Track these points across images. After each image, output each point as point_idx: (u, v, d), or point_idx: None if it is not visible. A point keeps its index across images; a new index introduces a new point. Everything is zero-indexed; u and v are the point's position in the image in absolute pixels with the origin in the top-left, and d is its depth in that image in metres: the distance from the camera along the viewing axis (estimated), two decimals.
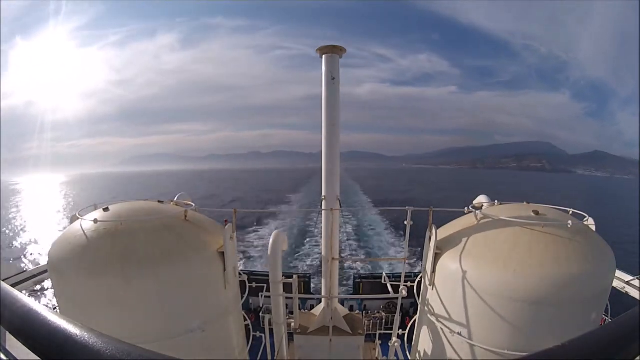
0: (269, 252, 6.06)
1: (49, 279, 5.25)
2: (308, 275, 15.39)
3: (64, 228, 5.38)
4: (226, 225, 5.21)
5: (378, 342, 9.14)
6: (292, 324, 7.38)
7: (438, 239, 5.11)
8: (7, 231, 57.65)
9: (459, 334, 4.72)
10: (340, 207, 7.21)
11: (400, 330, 6.72)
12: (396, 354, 6.72)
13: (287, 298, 6.88)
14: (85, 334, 0.94)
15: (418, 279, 6.01)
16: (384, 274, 7.78)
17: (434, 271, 5.18)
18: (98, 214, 4.90)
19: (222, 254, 5.05)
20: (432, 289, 5.25)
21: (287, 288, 6.87)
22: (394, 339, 6.47)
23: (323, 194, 7.04)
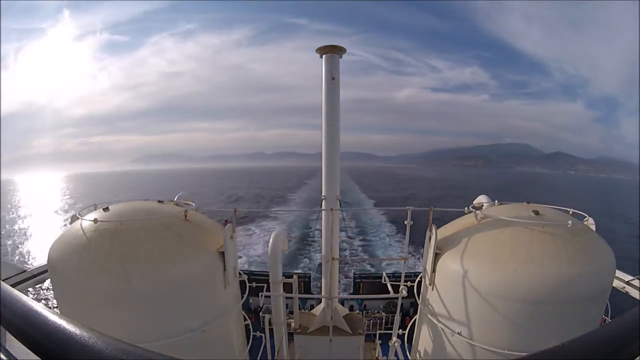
0: (269, 252, 6.05)
1: (49, 279, 5.25)
2: (308, 275, 15.38)
3: (63, 226, 5.38)
4: (226, 225, 5.21)
5: (378, 342, 9.14)
6: (292, 324, 7.37)
7: (438, 238, 5.11)
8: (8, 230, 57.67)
9: (459, 333, 4.72)
10: (341, 207, 7.20)
11: (400, 330, 6.71)
12: (396, 354, 6.72)
13: (287, 298, 6.87)
14: (85, 334, 0.94)
15: (418, 278, 6.01)
16: (384, 274, 7.77)
17: (434, 271, 5.18)
18: (98, 213, 4.90)
19: (222, 254, 5.06)
20: (432, 288, 5.24)
21: (287, 288, 6.86)
22: (394, 338, 6.46)
23: (323, 193, 7.03)
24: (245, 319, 6.46)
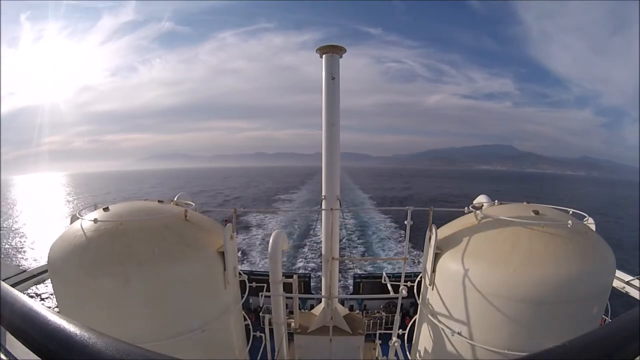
0: (269, 252, 6.05)
1: (49, 279, 5.25)
2: (308, 275, 15.41)
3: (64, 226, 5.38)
4: (226, 225, 5.21)
5: (378, 342, 9.14)
6: (292, 324, 7.37)
7: (438, 238, 5.11)
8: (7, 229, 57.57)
9: (459, 333, 4.72)
10: (341, 206, 7.21)
11: (400, 330, 6.71)
12: (396, 354, 6.72)
13: (287, 298, 6.87)
14: (85, 334, 0.94)
15: (418, 278, 6.01)
16: (384, 274, 7.77)
17: (434, 271, 5.18)
18: (98, 213, 4.90)
19: (222, 253, 5.06)
20: (432, 288, 5.25)
21: (287, 288, 6.85)
22: (394, 338, 6.46)
23: (323, 193, 7.04)
24: (245, 319, 6.47)
